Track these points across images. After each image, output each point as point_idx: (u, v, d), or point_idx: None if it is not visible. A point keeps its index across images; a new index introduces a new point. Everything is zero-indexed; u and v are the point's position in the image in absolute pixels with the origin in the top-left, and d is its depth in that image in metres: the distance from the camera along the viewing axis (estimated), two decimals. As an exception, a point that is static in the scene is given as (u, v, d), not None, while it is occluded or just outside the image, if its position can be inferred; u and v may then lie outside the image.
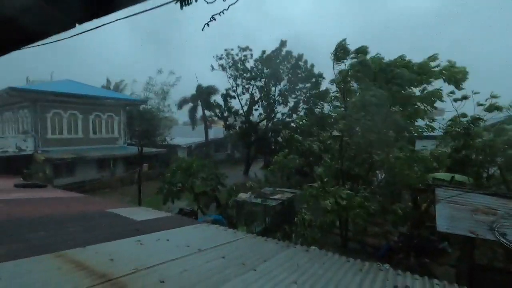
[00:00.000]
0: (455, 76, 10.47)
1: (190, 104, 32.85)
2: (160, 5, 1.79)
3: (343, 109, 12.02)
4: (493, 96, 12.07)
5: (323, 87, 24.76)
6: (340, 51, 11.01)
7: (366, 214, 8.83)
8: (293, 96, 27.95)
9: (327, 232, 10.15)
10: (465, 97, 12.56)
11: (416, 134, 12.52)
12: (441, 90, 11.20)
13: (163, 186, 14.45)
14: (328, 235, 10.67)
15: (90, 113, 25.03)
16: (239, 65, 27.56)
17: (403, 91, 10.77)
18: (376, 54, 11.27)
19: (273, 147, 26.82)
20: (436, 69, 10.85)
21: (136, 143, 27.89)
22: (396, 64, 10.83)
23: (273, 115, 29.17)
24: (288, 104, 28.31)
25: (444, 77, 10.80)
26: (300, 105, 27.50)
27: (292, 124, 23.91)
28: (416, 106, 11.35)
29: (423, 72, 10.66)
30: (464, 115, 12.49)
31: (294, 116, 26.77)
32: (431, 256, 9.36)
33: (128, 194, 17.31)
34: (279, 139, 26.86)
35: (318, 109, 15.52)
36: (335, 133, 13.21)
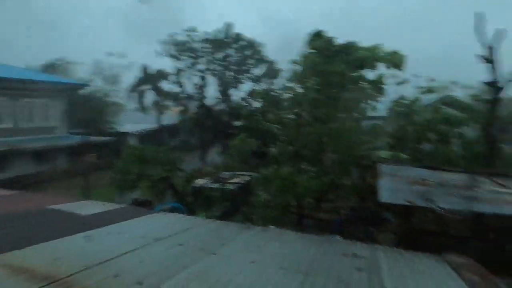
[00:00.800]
0: (395, 61, 11.42)
1: (140, 89, 30.77)
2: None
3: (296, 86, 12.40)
4: (431, 80, 13.60)
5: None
6: (314, 37, 11.40)
7: (312, 190, 9.33)
8: (247, 78, 27.87)
9: (284, 211, 10.59)
10: (405, 81, 13.99)
11: (363, 115, 13.53)
12: (384, 75, 12.16)
13: (116, 176, 13.59)
14: (286, 214, 11.14)
15: (21, 99, 22.04)
16: (185, 47, 26.46)
17: (354, 73, 11.43)
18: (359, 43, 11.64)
19: (230, 131, 26.68)
20: (382, 54, 11.64)
21: (81, 131, 25.51)
22: (349, 47, 11.42)
23: (229, 98, 28.88)
24: (242, 86, 28.24)
25: (386, 63, 11.67)
26: (255, 87, 27.56)
27: (250, 108, 23.98)
28: (366, 88, 12.19)
29: (371, 56, 11.38)
30: (404, 97, 13.84)
31: (251, 100, 26.83)
32: (376, 226, 10.38)
33: (73, 187, 15.91)
34: (236, 123, 26.82)
35: (272, 92, 15.74)
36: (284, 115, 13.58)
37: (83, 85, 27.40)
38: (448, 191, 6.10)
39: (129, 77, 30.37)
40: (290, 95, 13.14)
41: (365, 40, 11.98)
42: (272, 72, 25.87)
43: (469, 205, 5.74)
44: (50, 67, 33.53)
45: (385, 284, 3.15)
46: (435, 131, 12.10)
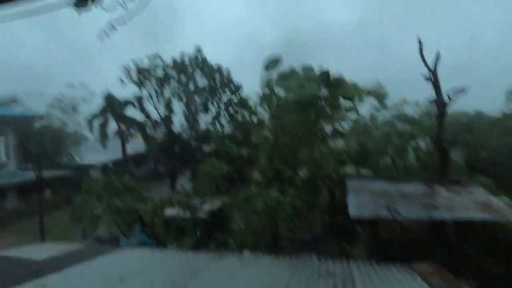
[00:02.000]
0: (380, 96, 12.57)
1: (102, 118, 29.36)
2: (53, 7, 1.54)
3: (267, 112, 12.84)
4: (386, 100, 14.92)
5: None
6: (271, 62, 12.04)
7: (293, 213, 9.42)
8: (213, 103, 28.02)
9: (259, 235, 10.44)
10: (361, 100, 15.20)
11: (331, 133, 14.27)
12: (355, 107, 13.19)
13: (76, 212, 12.52)
14: (260, 237, 10.99)
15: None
16: (150, 74, 26.34)
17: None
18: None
19: (199, 156, 26.20)
20: (365, 89, 12.67)
21: (34, 166, 23.46)
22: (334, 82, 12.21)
23: (196, 124, 28.63)
24: (210, 112, 28.26)
25: (371, 96, 12.77)
26: (222, 113, 27.71)
27: (218, 132, 23.98)
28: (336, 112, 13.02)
29: (355, 92, 12.34)
30: (362, 117, 14.96)
31: (217, 125, 26.86)
32: (348, 240, 10.58)
33: (25, 230, 14.35)
34: (205, 148, 26.51)
35: (240, 117, 15.97)
36: (257, 138, 13.81)
37: (37, 117, 25.58)
38: (409, 201, 6.48)
39: (91, 106, 29.00)
40: (262, 120, 13.52)
41: (316, 59, 13.01)
42: (240, 97, 26.30)
43: (429, 213, 6.12)
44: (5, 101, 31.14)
45: (360, 299, 3.21)
46: (392, 145, 13.01)
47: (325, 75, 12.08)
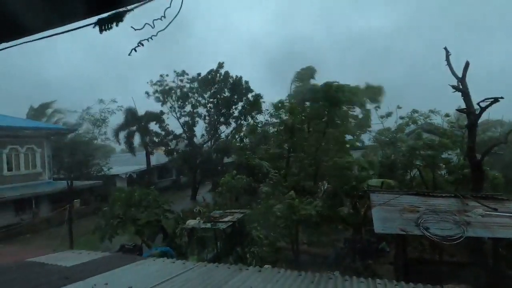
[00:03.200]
0: (376, 91, 12.42)
1: (128, 131, 30.70)
2: (82, 26, 1.64)
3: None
4: (414, 111, 14.54)
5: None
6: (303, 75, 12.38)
7: (316, 213, 9.23)
8: (234, 115, 28.45)
9: (279, 249, 10.25)
10: (389, 114, 15.05)
11: (350, 145, 13.99)
12: (369, 110, 13.08)
13: (101, 222, 12.97)
14: (280, 251, 10.77)
15: (3, 147, 21.54)
16: (175, 90, 27.69)
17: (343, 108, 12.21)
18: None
19: (219, 168, 26.51)
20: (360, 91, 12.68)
21: (66, 176, 24.77)
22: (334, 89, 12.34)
23: (217, 135, 29.12)
24: (230, 124, 28.72)
25: (367, 96, 12.66)
26: (243, 123, 28.02)
27: (237, 144, 24.19)
28: (353, 122, 12.91)
29: (354, 94, 12.35)
30: (388, 128, 14.63)
31: (237, 136, 27.14)
32: (373, 257, 10.10)
33: (56, 237, 15.01)
34: (226, 160, 26.82)
35: (260, 127, 16.10)
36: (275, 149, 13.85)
37: (70, 130, 27.22)
38: (440, 217, 6.09)
39: (120, 120, 30.57)
40: (280, 130, 13.59)
41: (338, 75, 13.21)
42: (259, 107, 26.48)
43: (463, 231, 5.71)
44: (38, 113, 33.51)
45: (387, 321, 3.02)
46: (420, 157, 12.44)
47: (328, 87, 12.24)
